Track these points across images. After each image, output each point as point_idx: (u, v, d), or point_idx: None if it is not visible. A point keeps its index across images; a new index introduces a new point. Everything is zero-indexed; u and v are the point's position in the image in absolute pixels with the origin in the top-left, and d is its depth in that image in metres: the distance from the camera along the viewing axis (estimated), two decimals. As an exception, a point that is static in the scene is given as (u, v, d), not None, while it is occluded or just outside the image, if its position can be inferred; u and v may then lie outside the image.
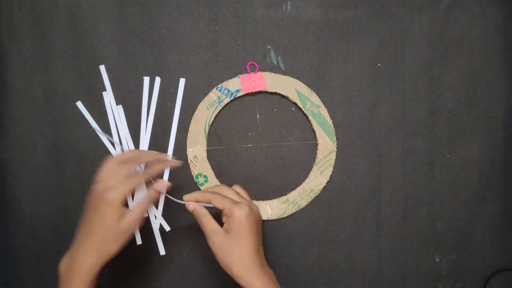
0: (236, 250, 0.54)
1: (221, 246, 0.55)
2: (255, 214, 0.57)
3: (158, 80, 0.66)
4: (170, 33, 0.65)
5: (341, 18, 0.65)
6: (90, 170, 0.66)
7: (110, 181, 0.55)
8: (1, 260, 0.67)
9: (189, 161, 0.66)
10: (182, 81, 0.66)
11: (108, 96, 0.66)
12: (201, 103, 0.65)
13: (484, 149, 0.65)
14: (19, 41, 0.66)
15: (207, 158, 0.66)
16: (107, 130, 0.66)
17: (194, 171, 0.66)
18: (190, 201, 0.57)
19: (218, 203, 0.56)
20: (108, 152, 0.66)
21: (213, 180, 0.66)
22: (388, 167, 0.66)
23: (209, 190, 0.58)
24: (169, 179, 0.65)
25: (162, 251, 0.66)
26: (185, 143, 0.66)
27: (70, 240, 0.67)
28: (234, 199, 0.57)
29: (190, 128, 0.65)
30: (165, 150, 0.66)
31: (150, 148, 0.66)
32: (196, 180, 0.66)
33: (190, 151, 0.65)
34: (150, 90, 0.66)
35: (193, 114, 0.66)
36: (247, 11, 0.65)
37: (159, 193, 0.60)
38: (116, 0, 0.65)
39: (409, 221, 0.66)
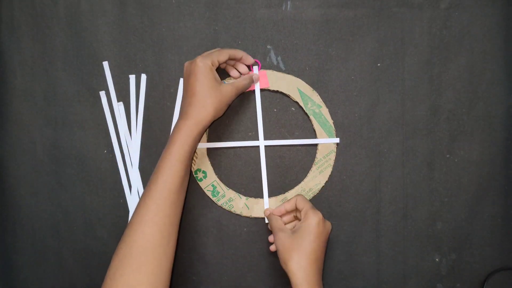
0: (298, 249, 0.56)
1: (285, 242, 0.57)
2: (327, 228, 0.59)
3: (144, 77, 0.66)
4: (170, 33, 0.65)
5: (341, 18, 0.65)
6: (90, 170, 0.66)
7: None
8: (1, 260, 0.67)
9: None
10: (182, 81, 0.66)
11: (109, 94, 0.66)
12: None
13: (484, 149, 0.65)
14: (19, 41, 0.66)
15: (207, 154, 0.66)
16: (107, 127, 0.66)
17: (194, 166, 0.66)
18: (269, 210, 0.64)
19: (300, 203, 0.60)
20: (107, 153, 0.66)
21: (211, 176, 0.66)
22: (388, 167, 0.66)
23: (294, 197, 0.62)
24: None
25: None
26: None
27: (70, 240, 0.67)
28: (314, 207, 0.60)
29: None
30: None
31: (145, 147, 0.66)
32: (195, 176, 0.66)
33: None
34: (137, 88, 0.66)
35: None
36: (247, 11, 0.65)
37: (254, 80, 0.65)
38: (116, 0, 0.65)
39: (409, 221, 0.66)
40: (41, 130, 0.66)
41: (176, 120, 0.65)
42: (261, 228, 0.66)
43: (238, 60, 0.63)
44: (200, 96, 0.58)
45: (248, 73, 0.64)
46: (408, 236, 0.66)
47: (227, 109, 0.61)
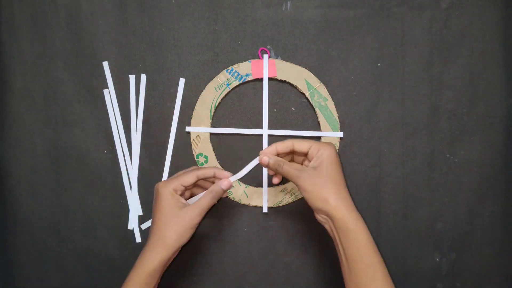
0: (331, 182, 0.54)
1: (313, 181, 0.54)
2: (336, 153, 0.56)
3: (144, 77, 0.66)
4: (170, 33, 0.65)
5: (341, 18, 0.65)
6: (90, 170, 0.66)
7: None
8: (1, 260, 0.67)
9: (191, 140, 0.66)
10: (182, 81, 0.66)
11: (110, 94, 0.66)
12: (209, 83, 0.65)
13: (485, 149, 0.65)
14: (19, 41, 0.66)
15: (210, 139, 0.66)
16: (107, 127, 0.66)
17: (196, 150, 0.66)
18: (265, 155, 0.56)
19: (302, 145, 0.56)
20: (107, 153, 0.66)
21: (213, 161, 0.66)
22: (388, 167, 0.66)
23: (288, 139, 0.58)
24: (171, 159, 0.66)
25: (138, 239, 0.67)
26: (185, 141, 0.66)
27: (70, 240, 0.67)
28: (313, 140, 0.57)
29: (196, 107, 0.65)
30: (164, 149, 0.66)
31: (144, 143, 0.66)
32: (196, 160, 0.66)
33: (194, 130, 0.65)
34: (137, 88, 0.66)
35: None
36: (247, 11, 0.65)
37: (223, 190, 0.59)
38: (116, 0, 0.65)
39: (409, 221, 0.66)
40: (41, 130, 0.66)
41: (174, 124, 0.66)
42: (261, 228, 0.66)
43: (211, 178, 0.59)
44: (159, 227, 0.56)
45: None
46: (408, 236, 0.66)
47: (195, 231, 0.57)
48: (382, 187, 0.66)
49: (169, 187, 0.56)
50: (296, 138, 0.57)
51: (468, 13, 0.64)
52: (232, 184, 0.59)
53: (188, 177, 0.57)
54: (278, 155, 0.57)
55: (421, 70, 0.65)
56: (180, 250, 0.58)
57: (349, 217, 0.53)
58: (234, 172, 0.66)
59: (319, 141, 0.57)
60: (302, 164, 0.59)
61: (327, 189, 0.54)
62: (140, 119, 0.66)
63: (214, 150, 0.66)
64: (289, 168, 0.56)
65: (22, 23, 0.66)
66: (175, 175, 0.60)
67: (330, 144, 0.56)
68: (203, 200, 0.57)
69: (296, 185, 0.55)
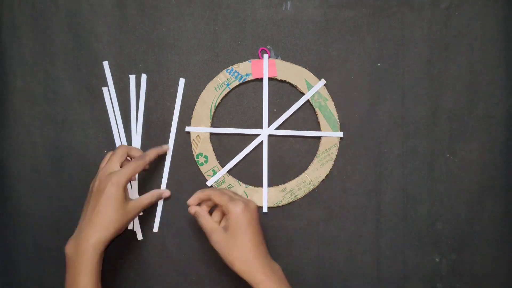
0: (236, 246, 0.56)
1: (221, 243, 0.56)
2: (252, 210, 0.58)
3: (144, 77, 0.66)
4: (170, 33, 0.65)
5: (341, 18, 0.65)
6: (90, 170, 0.66)
7: (114, 167, 0.60)
8: (1, 260, 0.67)
9: (191, 140, 0.66)
10: (182, 81, 0.66)
11: (109, 92, 0.66)
12: (209, 83, 0.65)
13: (485, 149, 0.65)
14: (19, 41, 0.66)
15: (210, 139, 0.66)
16: (107, 127, 0.66)
17: (196, 150, 0.66)
18: (192, 205, 0.60)
19: (217, 198, 0.58)
20: (107, 153, 0.66)
21: (213, 161, 0.66)
22: (388, 167, 0.66)
23: (209, 188, 0.62)
24: (171, 159, 0.66)
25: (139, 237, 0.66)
26: (185, 141, 0.66)
27: (70, 240, 0.67)
28: (231, 196, 0.59)
29: (195, 107, 0.65)
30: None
31: (144, 143, 0.66)
32: (196, 160, 0.66)
33: (194, 130, 0.66)
34: (137, 88, 0.66)
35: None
36: (247, 11, 0.65)
37: (163, 197, 0.65)
38: (116, 0, 0.65)
39: (409, 221, 0.66)
40: (41, 130, 0.66)
41: (174, 124, 0.66)
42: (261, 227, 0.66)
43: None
44: (105, 216, 0.57)
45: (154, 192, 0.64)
46: (408, 236, 0.66)
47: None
48: (382, 187, 0.66)
49: (123, 180, 0.58)
50: (217, 191, 0.59)
51: (468, 13, 0.64)
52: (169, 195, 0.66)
53: (139, 168, 0.60)
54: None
55: (421, 70, 0.65)
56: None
57: (254, 280, 0.55)
58: (235, 171, 0.66)
59: (237, 196, 0.59)
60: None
61: (233, 252, 0.56)
62: (140, 119, 0.66)
63: (214, 150, 0.66)
64: (204, 223, 0.59)
65: (22, 23, 0.66)
66: (123, 169, 0.59)
67: (238, 203, 0.56)
68: (145, 199, 0.62)
69: (210, 243, 0.58)
